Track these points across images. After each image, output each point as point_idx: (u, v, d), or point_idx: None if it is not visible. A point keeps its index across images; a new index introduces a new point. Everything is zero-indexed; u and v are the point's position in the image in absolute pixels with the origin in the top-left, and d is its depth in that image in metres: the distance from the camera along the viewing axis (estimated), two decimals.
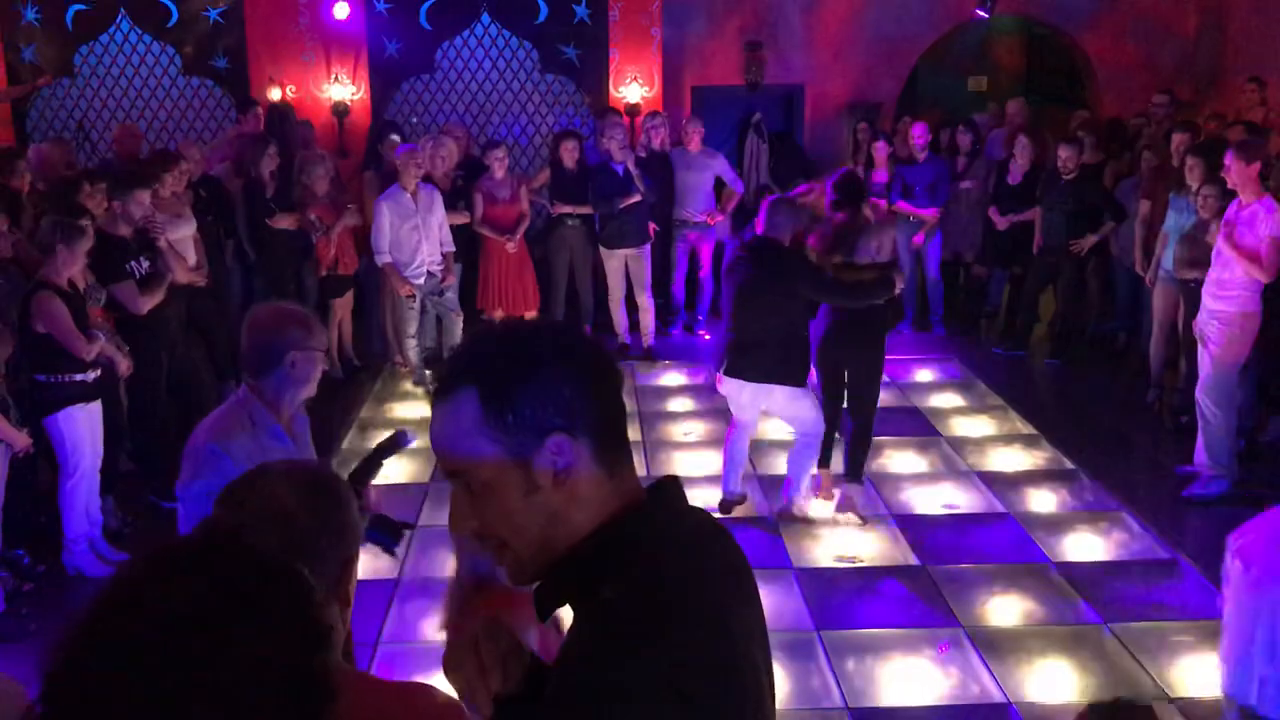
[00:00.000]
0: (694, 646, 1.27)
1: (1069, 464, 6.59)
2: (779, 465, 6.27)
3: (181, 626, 1.05)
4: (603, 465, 1.40)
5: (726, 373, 5.64)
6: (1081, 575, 5.28)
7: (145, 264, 6.05)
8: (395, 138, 8.60)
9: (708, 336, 9.13)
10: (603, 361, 1.44)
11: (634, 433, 7.05)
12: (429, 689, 1.73)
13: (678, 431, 7.23)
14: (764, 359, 5.52)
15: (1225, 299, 5.98)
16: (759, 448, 6.62)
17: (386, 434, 3.22)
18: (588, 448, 1.38)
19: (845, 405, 6.05)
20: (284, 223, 7.81)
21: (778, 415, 5.96)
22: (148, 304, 5.97)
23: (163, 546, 1.16)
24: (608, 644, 1.28)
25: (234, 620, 1.07)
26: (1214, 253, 6.07)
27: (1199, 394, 6.13)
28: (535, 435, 1.35)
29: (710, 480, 6.35)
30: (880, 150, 9.03)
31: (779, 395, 5.62)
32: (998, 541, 5.66)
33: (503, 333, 1.45)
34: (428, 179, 7.84)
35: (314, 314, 3.21)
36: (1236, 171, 5.88)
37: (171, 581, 1.09)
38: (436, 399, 1.42)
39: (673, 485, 1.48)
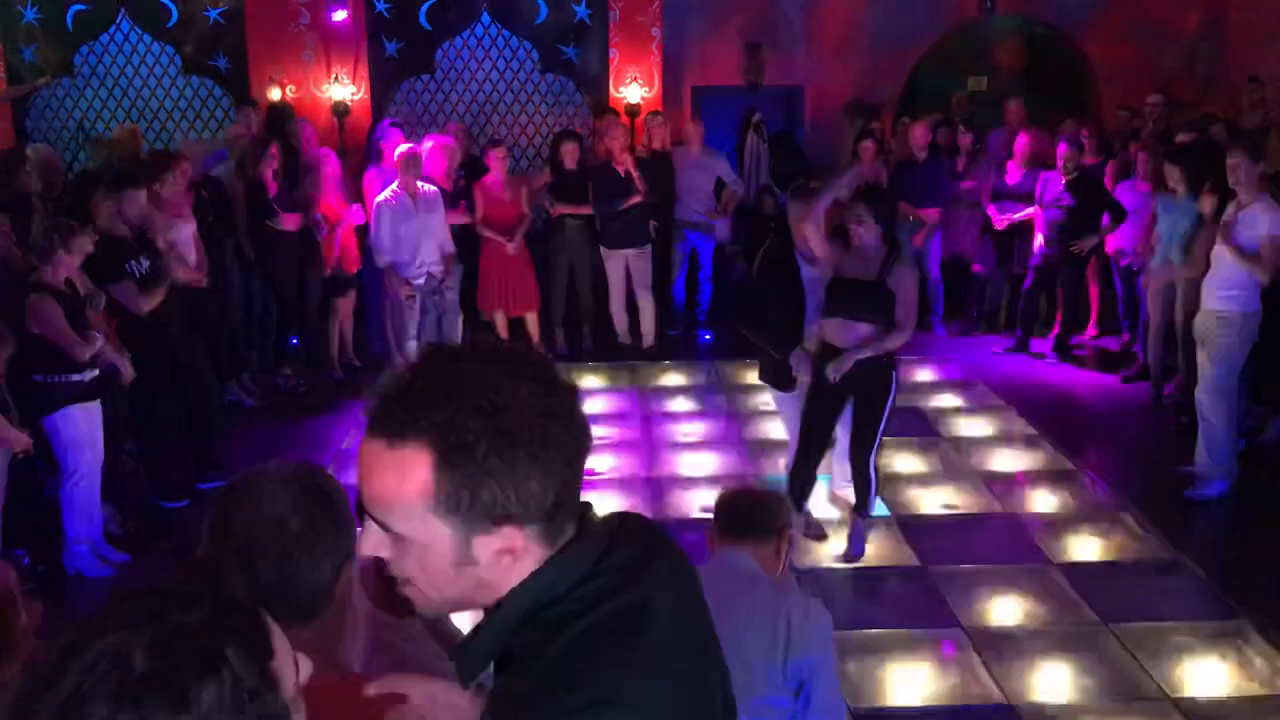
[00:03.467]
0: (631, 690, 1.21)
1: (1069, 464, 6.59)
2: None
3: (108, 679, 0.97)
4: (547, 542, 1.27)
5: None
6: (1081, 575, 5.27)
7: (145, 264, 6.05)
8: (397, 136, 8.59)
9: (709, 337, 9.13)
10: (574, 430, 1.26)
11: (634, 433, 7.13)
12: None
13: (678, 431, 7.23)
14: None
15: (1225, 299, 5.97)
16: (769, 447, 6.65)
17: None
18: (536, 532, 1.25)
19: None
20: (286, 223, 7.80)
21: None
22: (148, 304, 5.97)
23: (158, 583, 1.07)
24: (536, 687, 1.21)
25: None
26: (1213, 253, 6.07)
27: (1199, 394, 6.12)
28: (486, 521, 1.22)
29: (710, 481, 6.34)
30: (867, 150, 8.90)
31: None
32: (998, 542, 5.65)
33: (480, 386, 1.21)
34: (428, 179, 7.84)
35: None
36: (1245, 170, 5.87)
37: (117, 633, 1.00)
38: (377, 433, 1.23)
39: (626, 523, 1.38)
